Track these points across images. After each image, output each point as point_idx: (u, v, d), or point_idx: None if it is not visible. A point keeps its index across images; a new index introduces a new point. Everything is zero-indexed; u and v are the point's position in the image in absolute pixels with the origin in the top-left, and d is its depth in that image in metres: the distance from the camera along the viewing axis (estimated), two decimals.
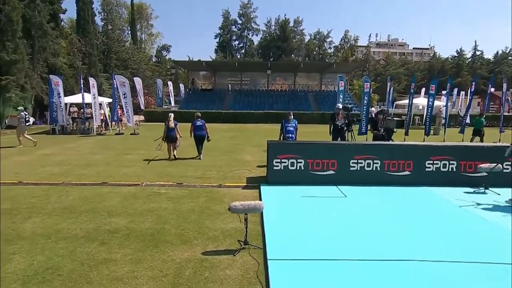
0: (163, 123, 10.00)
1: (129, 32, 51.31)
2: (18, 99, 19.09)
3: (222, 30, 64.80)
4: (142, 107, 23.73)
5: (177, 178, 7.50)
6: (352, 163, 6.87)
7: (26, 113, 12.70)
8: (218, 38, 65.29)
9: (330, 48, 64.03)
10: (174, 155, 9.89)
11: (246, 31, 64.74)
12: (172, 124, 9.69)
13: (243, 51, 65.00)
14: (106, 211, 5.28)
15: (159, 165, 9.00)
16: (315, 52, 62.80)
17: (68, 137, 15.45)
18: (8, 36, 18.55)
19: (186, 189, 6.65)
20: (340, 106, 9.19)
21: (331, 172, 6.88)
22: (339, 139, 8.79)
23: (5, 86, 18.14)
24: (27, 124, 12.50)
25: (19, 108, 13.28)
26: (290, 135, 8.70)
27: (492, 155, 6.62)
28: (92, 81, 16.77)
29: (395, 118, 8.37)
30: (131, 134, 16.61)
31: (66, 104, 17.71)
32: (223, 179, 7.55)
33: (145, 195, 6.19)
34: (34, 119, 20.96)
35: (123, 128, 17.99)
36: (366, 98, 13.67)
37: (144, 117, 26.65)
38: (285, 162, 6.84)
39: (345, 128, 8.85)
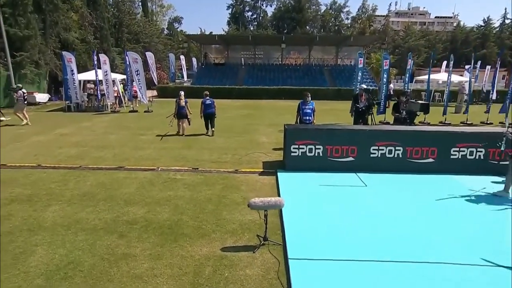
0: (175, 100, 10.54)
1: (140, 3, 50.05)
2: (33, 75, 19.16)
3: (234, 1, 62.55)
4: (155, 82, 23.57)
5: (193, 163, 7.44)
6: (373, 149, 6.61)
7: (25, 92, 12.74)
8: (231, 9, 63.24)
9: (347, 18, 61.31)
10: (183, 132, 10.57)
11: (259, 1, 62.33)
12: (182, 102, 10.33)
13: (256, 22, 62.94)
14: (123, 199, 5.27)
15: (174, 147, 8.94)
16: (330, 24, 60.27)
17: (83, 115, 15.55)
18: (19, 11, 18.31)
19: (202, 175, 6.59)
20: (364, 86, 8.77)
21: (351, 158, 6.66)
22: (361, 122, 8.47)
23: (20, 63, 18.16)
24: (25, 102, 12.58)
25: (18, 85, 13.28)
26: (307, 117, 8.44)
27: None
28: (103, 57, 16.55)
29: (419, 101, 7.92)
30: (145, 111, 16.58)
31: (80, 81, 17.67)
32: (238, 163, 7.44)
33: (161, 181, 6.16)
34: (49, 96, 21.24)
35: (137, 105, 17.94)
36: (385, 75, 13.11)
37: (157, 92, 26.53)
38: (303, 148, 6.64)
39: (365, 110, 8.50)
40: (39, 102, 19.50)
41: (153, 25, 46.05)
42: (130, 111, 16.84)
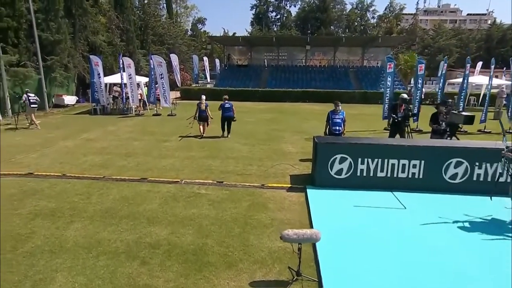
0: (197, 103, 11.03)
1: (165, 5, 50.76)
2: (62, 78, 19.66)
3: (258, 1, 62.27)
4: (179, 84, 23.67)
5: (217, 175, 7.16)
6: (411, 165, 6.08)
7: (30, 95, 12.78)
8: (254, 9, 63.01)
9: (373, 18, 59.49)
10: (203, 132, 11.09)
11: (283, 1, 61.71)
12: (203, 106, 10.83)
13: (279, 23, 62.35)
14: (146, 217, 5.05)
15: (198, 156, 8.71)
16: (356, 23, 58.71)
17: (108, 118, 15.73)
18: (51, 16, 18.83)
19: (227, 190, 6.29)
20: (405, 96, 8.21)
21: (386, 175, 6.15)
22: (397, 135, 7.93)
23: (50, 66, 18.68)
24: (32, 106, 12.64)
25: (26, 89, 13.60)
26: (337, 127, 7.97)
27: None
28: (128, 60, 16.68)
29: (464, 113, 7.22)
30: (168, 115, 16.57)
31: (106, 84, 17.95)
32: (264, 176, 7.09)
33: (185, 197, 5.91)
34: (77, 98, 21.78)
35: (160, 108, 17.99)
36: (419, 81, 12.35)
37: (180, 94, 26.68)
38: (334, 163, 6.20)
39: (401, 121, 7.93)
40: (68, 104, 20.02)
41: (177, 26, 46.56)
42: (153, 115, 16.89)
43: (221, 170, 7.49)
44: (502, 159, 4.77)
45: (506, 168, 4.76)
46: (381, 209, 5.34)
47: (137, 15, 35.52)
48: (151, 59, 16.83)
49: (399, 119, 7.90)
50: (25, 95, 12.70)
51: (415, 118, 11.36)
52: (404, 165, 6.08)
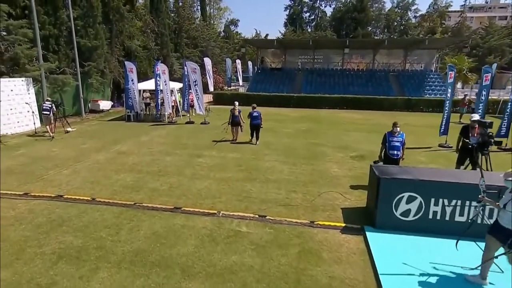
0: (230, 109, 11.89)
1: (199, 7, 50.96)
2: (98, 84, 19.83)
3: (292, 1, 61.02)
4: (211, 88, 23.26)
5: (258, 205, 6.35)
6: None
7: (46, 102, 12.72)
8: (288, 10, 61.85)
9: (415, 17, 56.10)
10: (236, 137, 12.03)
11: (318, 1, 60.01)
12: (236, 112, 11.63)
13: (314, 23, 60.70)
14: (180, 266, 4.32)
15: (235, 178, 7.93)
16: (395, 23, 55.70)
17: (141, 126, 15.49)
18: (90, 23, 19.03)
19: (271, 228, 5.44)
20: (477, 117, 6.96)
21: (467, 220, 5.02)
22: (467, 163, 6.67)
23: (87, 72, 18.86)
24: (43, 112, 12.48)
25: (47, 98, 13.59)
26: (395, 151, 6.91)
27: None
28: (162, 67, 16.38)
29: None
30: (201, 123, 16.05)
31: (140, 90, 17.81)
32: (312, 210, 6.17)
33: (223, 236, 5.14)
34: (112, 102, 21.96)
35: (193, 114, 17.56)
36: (484, 92, 10.84)
37: (213, 98, 26.30)
38: (401, 202, 5.16)
39: (476, 148, 6.66)
40: (103, 110, 20.18)
41: (211, 28, 46.49)
42: (186, 122, 16.44)
43: (261, 199, 6.66)
44: (479, 204, 4.20)
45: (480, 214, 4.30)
46: (468, 271, 4.23)
47: (172, 19, 35.71)
48: (185, 65, 16.41)
49: (474, 145, 6.64)
50: (43, 104, 12.75)
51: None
52: (491, 209, 4.92)
